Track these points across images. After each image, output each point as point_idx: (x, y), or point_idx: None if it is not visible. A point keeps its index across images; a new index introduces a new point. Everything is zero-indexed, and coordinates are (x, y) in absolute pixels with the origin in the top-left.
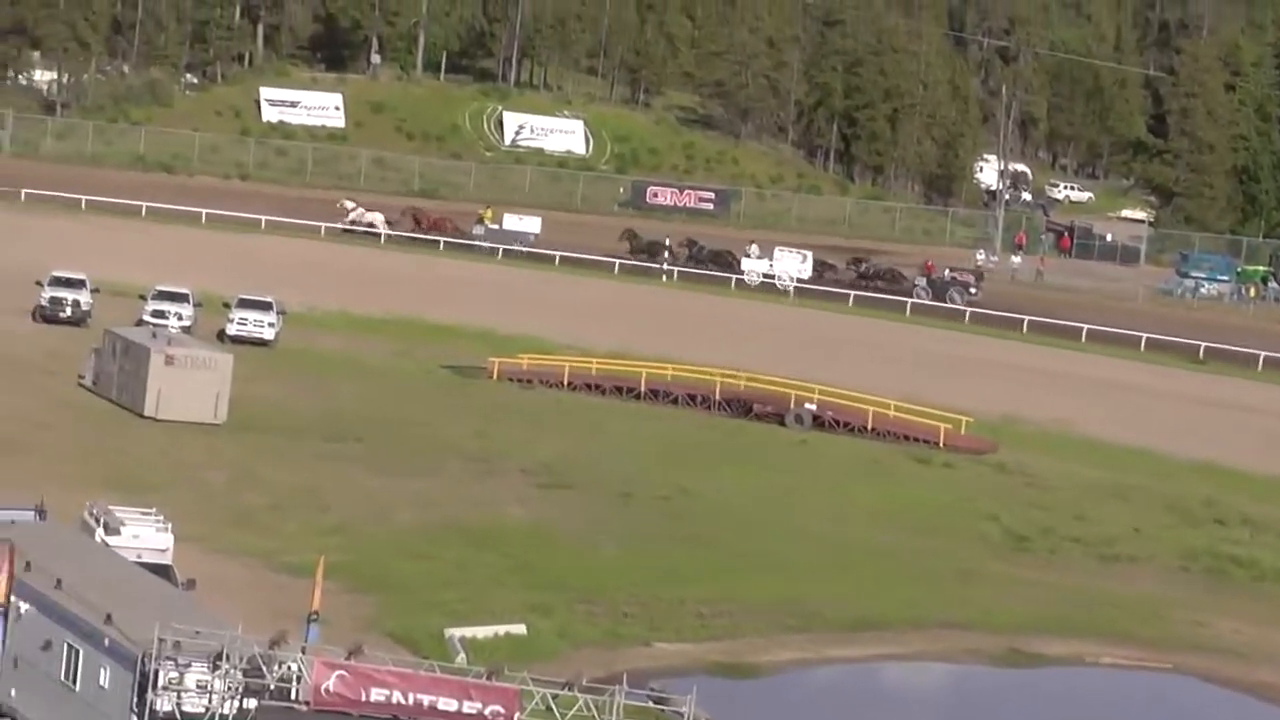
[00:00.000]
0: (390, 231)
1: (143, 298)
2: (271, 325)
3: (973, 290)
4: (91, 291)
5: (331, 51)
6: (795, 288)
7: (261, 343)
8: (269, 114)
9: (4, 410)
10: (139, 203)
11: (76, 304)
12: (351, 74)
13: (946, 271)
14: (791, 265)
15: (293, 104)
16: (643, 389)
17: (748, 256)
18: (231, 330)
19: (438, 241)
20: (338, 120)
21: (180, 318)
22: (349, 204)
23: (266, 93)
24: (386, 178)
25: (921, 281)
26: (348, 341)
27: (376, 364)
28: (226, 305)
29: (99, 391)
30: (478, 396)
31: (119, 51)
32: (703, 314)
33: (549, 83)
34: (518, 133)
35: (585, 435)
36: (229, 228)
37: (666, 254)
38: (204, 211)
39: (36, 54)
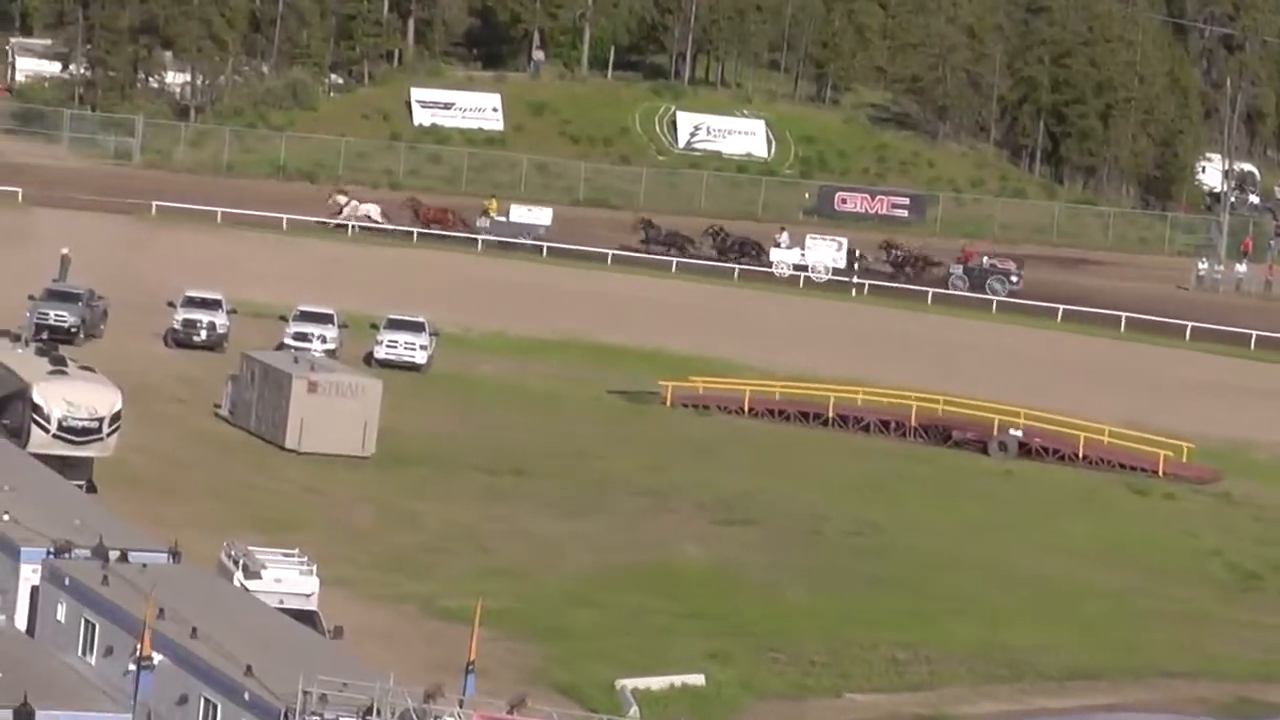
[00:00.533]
0: (387, 225)
1: (283, 319)
2: (424, 348)
3: (1013, 279)
4: (228, 313)
5: (488, 48)
6: (830, 279)
7: (413, 367)
8: (420, 117)
9: (134, 443)
10: (279, 215)
11: (212, 326)
12: (510, 72)
13: (985, 259)
14: (826, 254)
15: (446, 106)
16: (831, 415)
17: (777, 246)
18: (380, 354)
19: (605, 255)
20: (496, 123)
21: (324, 340)
22: (341, 197)
23: (418, 94)
24: (549, 185)
25: (957, 270)
26: (507, 365)
27: (538, 389)
28: (374, 326)
29: (236, 422)
30: (650, 424)
31: (258, 51)
32: (894, 332)
33: (727, 80)
34: (693, 134)
35: (768, 466)
36: (377, 242)
37: (689, 245)
38: (350, 224)
39: (169, 54)
